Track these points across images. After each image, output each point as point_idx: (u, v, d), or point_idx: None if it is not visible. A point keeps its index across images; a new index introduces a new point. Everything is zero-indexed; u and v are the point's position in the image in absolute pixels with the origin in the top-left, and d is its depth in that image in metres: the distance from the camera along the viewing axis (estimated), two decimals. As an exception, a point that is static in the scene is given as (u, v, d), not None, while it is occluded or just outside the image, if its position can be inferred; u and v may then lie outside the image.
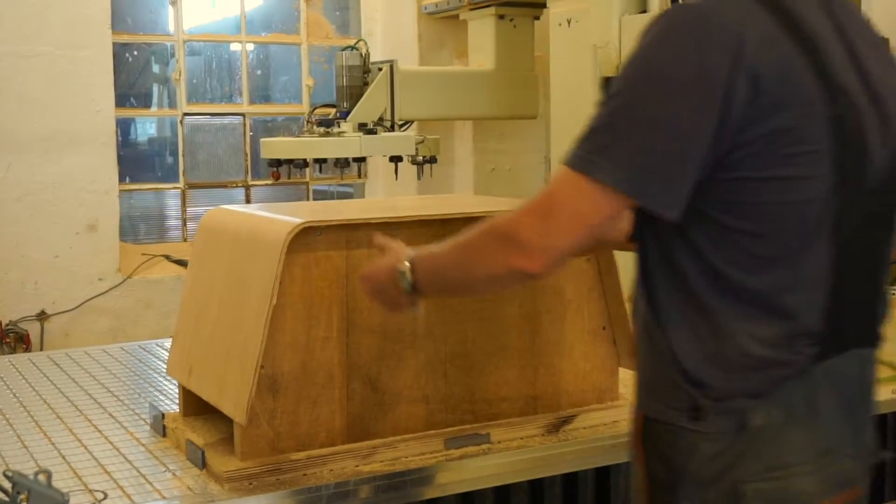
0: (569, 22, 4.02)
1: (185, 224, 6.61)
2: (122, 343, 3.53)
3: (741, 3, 1.46)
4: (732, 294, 1.49)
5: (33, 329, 5.72)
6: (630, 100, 1.47)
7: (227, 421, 2.12)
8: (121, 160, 6.09)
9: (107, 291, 5.90)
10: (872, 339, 1.63)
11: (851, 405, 1.57)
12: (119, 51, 6.26)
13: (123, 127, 6.46)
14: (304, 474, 2.04)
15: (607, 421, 2.35)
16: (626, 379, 2.42)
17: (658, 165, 1.44)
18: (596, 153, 1.46)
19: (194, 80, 6.66)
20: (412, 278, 1.71)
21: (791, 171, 1.45)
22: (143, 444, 2.29)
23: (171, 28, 6.52)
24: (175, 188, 6.59)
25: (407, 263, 1.71)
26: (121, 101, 6.21)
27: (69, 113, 5.75)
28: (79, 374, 2.94)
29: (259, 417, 2.05)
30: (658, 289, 1.55)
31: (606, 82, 1.45)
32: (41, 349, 5.63)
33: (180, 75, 6.48)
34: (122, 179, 6.16)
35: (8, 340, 5.59)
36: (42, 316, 5.75)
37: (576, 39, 3.91)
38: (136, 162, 6.67)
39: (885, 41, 1.65)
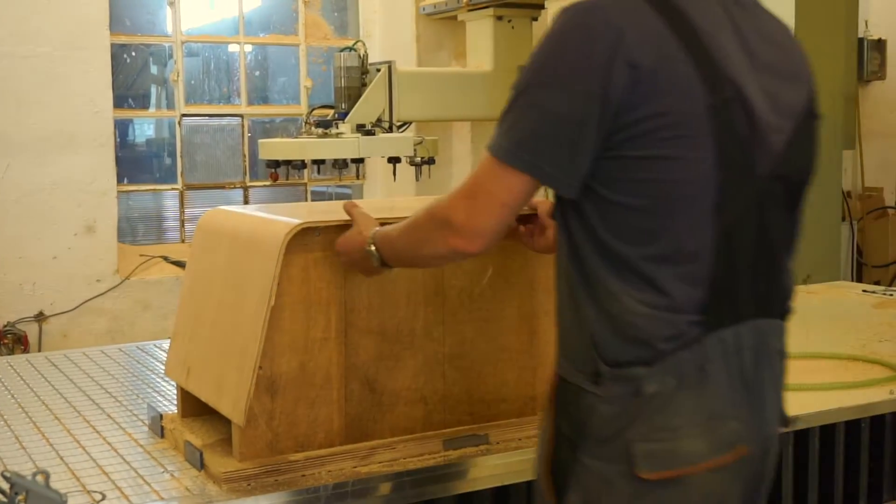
0: (567, 23, 4.03)
1: (183, 225, 6.61)
2: (121, 344, 3.52)
3: (628, 1, 1.61)
4: (619, 265, 1.63)
5: (31, 330, 5.72)
6: (529, 88, 1.63)
7: (226, 422, 2.12)
8: (119, 161, 6.09)
9: (105, 292, 5.90)
10: (778, 311, 1.75)
11: (745, 372, 1.66)
12: (117, 52, 6.26)
13: (121, 128, 6.46)
14: (303, 475, 2.04)
15: (605, 422, 2.35)
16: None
17: (550, 147, 1.60)
18: (502, 137, 1.64)
19: (192, 82, 6.66)
20: (379, 255, 1.93)
21: (669, 152, 1.58)
22: (141, 445, 2.29)
23: (170, 29, 6.53)
24: (173, 189, 6.59)
25: (372, 247, 1.93)
26: (119, 101, 6.21)
27: (67, 114, 5.75)
28: (77, 375, 2.93)
29: (257, 418, 2.05)
30: (569, 260, 1.70)
31: (520, 70, 1.68)
32: (39, 350, 5.63)
33: (178, 76, 6.48)
34: (120, 180, 6.16)
35: (6, 341, 5.59)
36: (40, 317, 5.75)
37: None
38: (134, 163, 6.67)
39: (791, 43, 1.81)
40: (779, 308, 1.76)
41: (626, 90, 1.56)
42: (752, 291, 1.68)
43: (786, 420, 1.82)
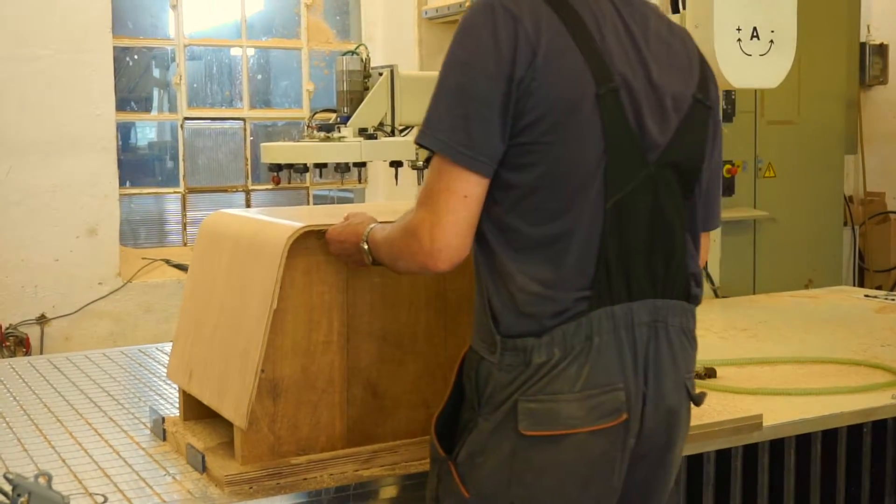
0: (569, 27, 4.02)
1: (185, 228, 6.62)
2: (123, 347, 3.53)
3: None
4: (515, 243, 1.75)
5: (33, 333, 5.72)
6: (443, 78, 1.76)
7: (228, 425, 2.12)
8: (121, 164, 6.09)
9: (107, 295, 5.90)
10: (680, 293, 1.85)
11: (639, 347, 1.77)
12: (120, 55, 6.26)
13: (124, 131, 6.47)
14: (305, 478, 2.04)
15: (607, 426, 2.34)
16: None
17: (463, 125, 1.71)
18: (431, 130, 1.74)
19: (195, 85, 6.66)
20: (371, 256, 1.96)
21: (561, 137, 1.71)
22: (143, 448, 2.29)
23: (172, 32, 6.53)
24: (175, 192, 6.60)
25: (366, 245, 1.96)
26: (121, 105, 6.22)
27: (70, 117, 5.76)
28: (79, 378, 2.94)
29: (259, 421, 2.05)
30: (477, 239, 1.80)
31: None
32: (41, 353, 5.63)
33: (181, 80, 6.49)
34: (122, 183, 6.16)
35: (8, 344, 5.59)
36: (42, 320, 5.75)
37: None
38: (136, 166, 6.67)
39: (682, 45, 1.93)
40: (681, 290, 1.85)
41: (527, 74, 1.70)
42: (649, 272, 1.80)
43: (694, 397, 1.90)
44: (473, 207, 1.74)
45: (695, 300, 1.89)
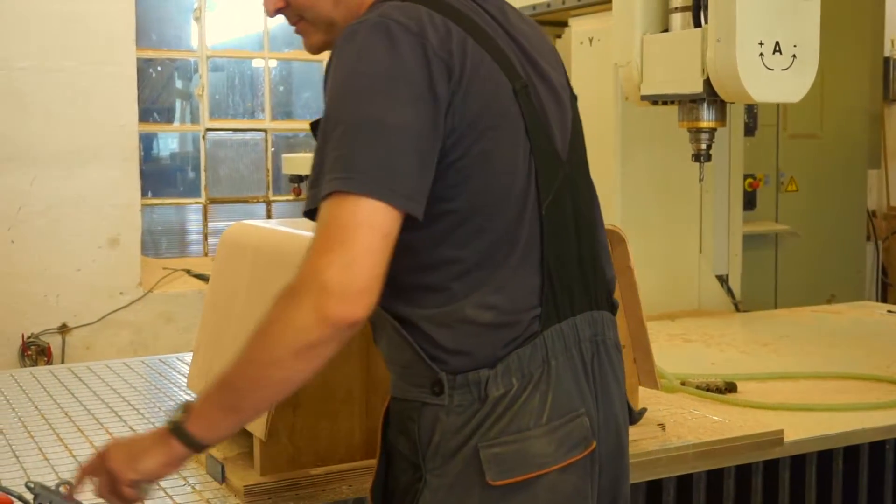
0: (590, 40, 4.02)
1: (206, 239, 6.65)
2: (143, 357, 3.54)
3: (410, 7, 1.53)
4: (455, 275, 1.54)
5: (55, 342, 5.75)
6: (349, 117, 1.46)
7: (247, 435, 2.13)
8: (143, 175, 6.13)
9: (128, 305, 5.93)
10: (605, 303, 1.71)
11: (587, 365, 1.62)
12: (143, 66, 6.31)
13: (146, 142, 6.51)
14: (324, 490, 2.04)
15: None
16: (647, 397, 2.41)
17: (383, 159, 1.44)
18: (343, 172, 1.43)
19: (217, 96, 6.70)
20: (183, 414, 1.59)
21: (491, 145, 1.53)
22: (162, 458, 2.29)
23: (195, 44, 6.58)
24: (197, 203, 6.63)
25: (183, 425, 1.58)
26: (144, 116, 6.26)
27: (93, 127, 5.80)
28: (99, 387, 2.95)
29: (279, 432, 2.05)
30: (401, 274, 1.53)
31: (316, 124, 1.51)
32: (62, 362, 5.66)
33: (203, 91, 6.53)
34: (144, 194, 6.21)
35: (29, 353, 5.63)
36: (63, 329, 5.79)
37: (597, 58, 3.91)
38: (158, 177, 6.72)
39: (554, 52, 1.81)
40: (605, 299, 1.71)
41: (447, 89, 1.49)
42: (582, 281, 1.64)
43: (633, 415, 1.81)
44: (389, 252, 1.44)
45: (615, 309, 1.74)
